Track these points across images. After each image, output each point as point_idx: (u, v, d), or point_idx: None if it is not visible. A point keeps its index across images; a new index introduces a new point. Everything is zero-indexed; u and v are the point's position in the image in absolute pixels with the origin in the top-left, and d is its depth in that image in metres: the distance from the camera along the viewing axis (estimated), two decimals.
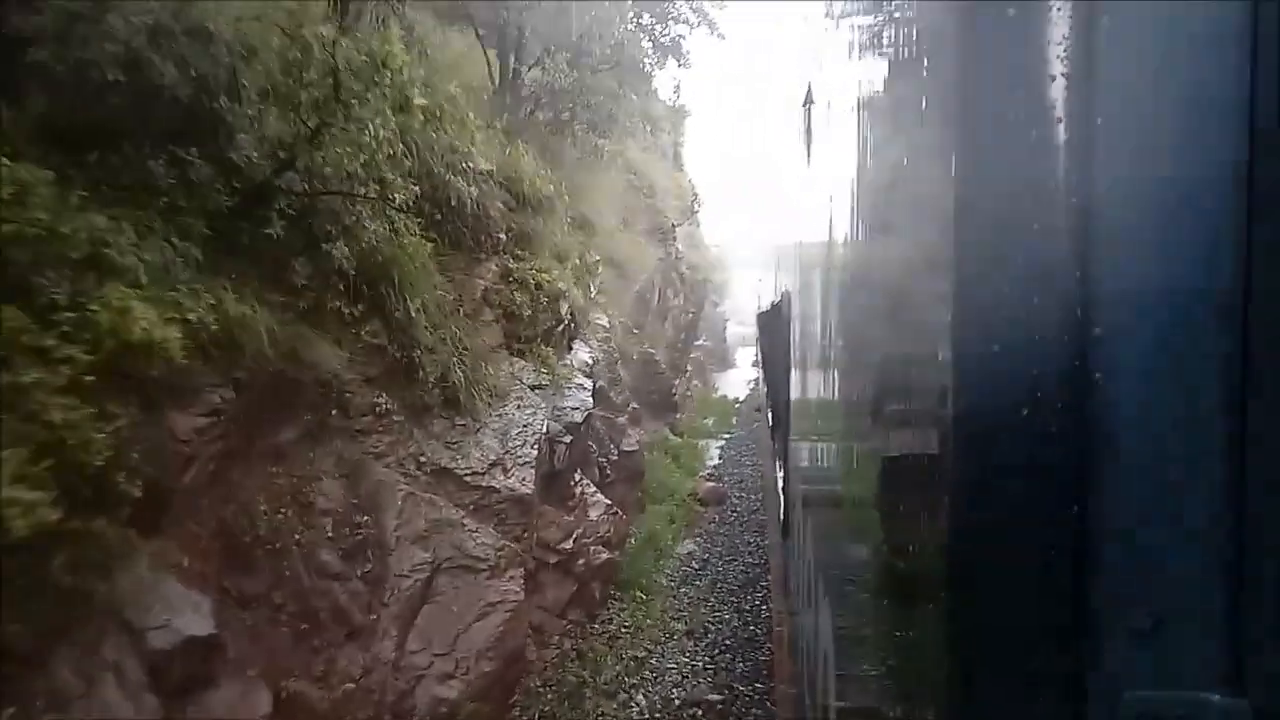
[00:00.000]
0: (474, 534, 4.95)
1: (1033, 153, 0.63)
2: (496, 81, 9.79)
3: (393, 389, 5.32)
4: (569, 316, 7.46)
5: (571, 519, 6.99)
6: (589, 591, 7.02)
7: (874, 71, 1.31)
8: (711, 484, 11.88)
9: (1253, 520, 0.59)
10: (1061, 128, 0.62)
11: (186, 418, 3.85)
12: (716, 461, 14.76)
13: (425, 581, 4.62)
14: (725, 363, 37.49)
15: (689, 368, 24.98)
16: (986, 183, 0.67)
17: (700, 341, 30.30)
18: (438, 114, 4.84)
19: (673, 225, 17.06)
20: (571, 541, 6.86)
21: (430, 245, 5.42)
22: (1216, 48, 0.59)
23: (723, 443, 16.95)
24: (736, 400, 24.68)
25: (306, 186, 4.36)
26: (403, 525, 4.77)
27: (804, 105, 3.61)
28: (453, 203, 5.99)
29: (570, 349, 7.93)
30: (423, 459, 5.22)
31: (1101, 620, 0.61)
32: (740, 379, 33.12)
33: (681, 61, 16.74)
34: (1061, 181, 0.62)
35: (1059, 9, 0.63)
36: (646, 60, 16.11)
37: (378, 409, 5.16)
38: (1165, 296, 0.60)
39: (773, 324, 8.94)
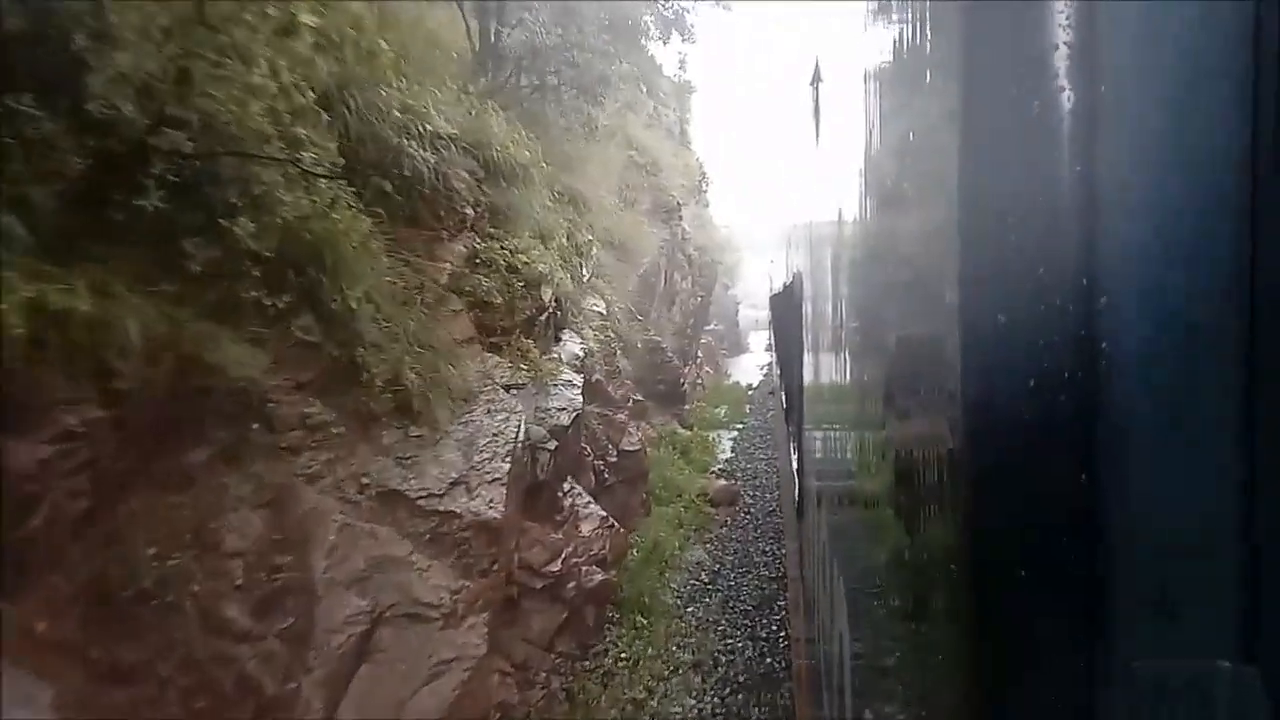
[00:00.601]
0: (425, 573, 4.05)
1: (1036, 123, 0.62)
2: (477, 46, 8.81)
3: (330, 395, 4.42)
4: (553, 303, 6.51)
5: (559, 536, 6.09)
6: (581, 619, 6.13)
7: (882, 44, 1.24)
8: (723, 482, 10.92)
9: (1263, 489, 0.58)
10: (1064, 97, 0.61)
11: (28, 446, 2.97)
12: (729, 455, 13.80)
13: (362, 636, 3.73)
14: (738, 347, 36.43)
15: (699, 354, 24.00)
16: (990, 155, 0.67)
17: (711, 326, 29.25)
18: (338, 40, 3.87)
19: (678, 204, 16.01)
20: (560, 563, 5.96)
21: (369, 221, 4.46)
22: (1218, 16, 0.57)
23: (735, 433, 16.00)
24: (750, 387, 23.68)
25: (193, 146, 3.42)
26: (335, 565, 3.88)
27: (812, 84, 3.52)
28: (406, 172, 5.04)
29: (558, 340, 7.00)
30: (366, 480, 4.32)
31: (1111, 589, 0.60)
32: (753, 364, 32.08)
33: (686, 35, 15.75)
34: (1065, 152, 0.60)
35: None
36: (650, 31, 15.06)
37: (310, 420, 4.26)
38: (1172, 265, 0.58)
39: (785, 306, 8.86)
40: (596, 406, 8.51)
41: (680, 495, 10.18)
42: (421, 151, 5.07)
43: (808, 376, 4.12)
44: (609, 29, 9.85)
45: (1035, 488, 0.63)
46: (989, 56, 0.67)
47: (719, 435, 15.29)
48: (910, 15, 0.99)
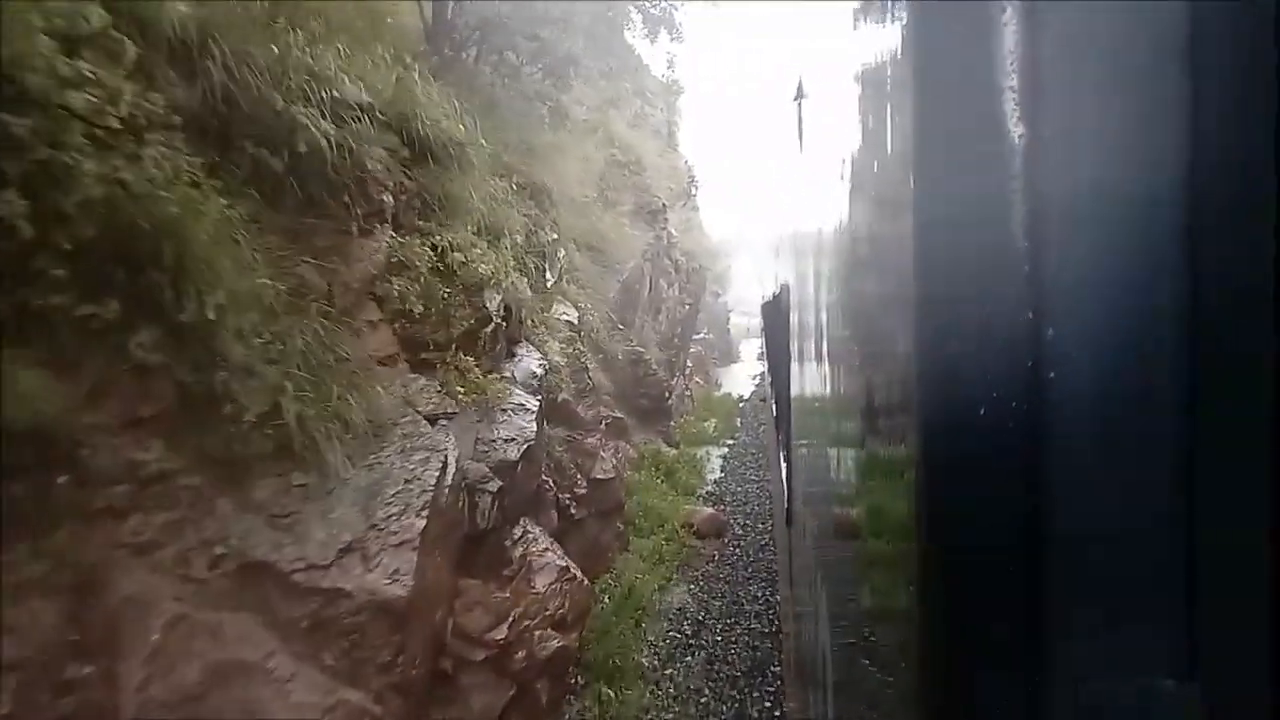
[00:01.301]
0: (288, 684, 2.95)
1: (985, 156, 0.64)
2: (430, 20, 7.78)
3: (179, 436, 3.33)
4: (503, 312, 5.43)
5: (506, 596, 5.00)
6: (532, 696, 5.03)
7: (862, 56, 1.17)
8: (710, 511, 9.82)
9: (1203, 514, 0.61)
10: (1012, 133, 0.63)
11: None
12: (718, 475, 12.73)
13: None
14: (729, 356, 35.40)
15: (688, 364, 22.97)
16: (942, 185, 0.68)
17: (701, 335, 28.22)
18: None
19: (664, 206, 14.99)
20: (506, 628, 4.86)
21: (224, 203, 3.39)
22: (1157, 53, 0.59)
23: (726, 450, 14.94)
24: (741, 398, 22.64)
25: None
26: (158, 678, 2.78)
27: (795, 99, 3.54)
28: (301, 146, 3.97)
29: (511, 356, 5.92)
30: (222, 550, 3.23)
31: (1055, 612, 0.62)
32: (745, 373, 31.09)
33: (674, 35, 14.87)
34: (1013, 186, 0.63)
35: (1007, 14, 0.62)
36: (636, 26, 14.09)
37: (145, 470, 3.17)
38: (1115, 297, 0.61)
39: (774, 314, 8.86)
40: (564, 430, 7.43)
41: (663, 525, 9.09)
42: (320, 121, 3.99)
43: (794, 388, 4.12)
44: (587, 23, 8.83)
45: (984, 509, 0.64)
46: (941, 85, 0.67)
47: (708, 453, 14.22)
48: (888, 30, 0.94)
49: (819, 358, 2.37)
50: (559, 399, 7.18)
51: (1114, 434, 0.61)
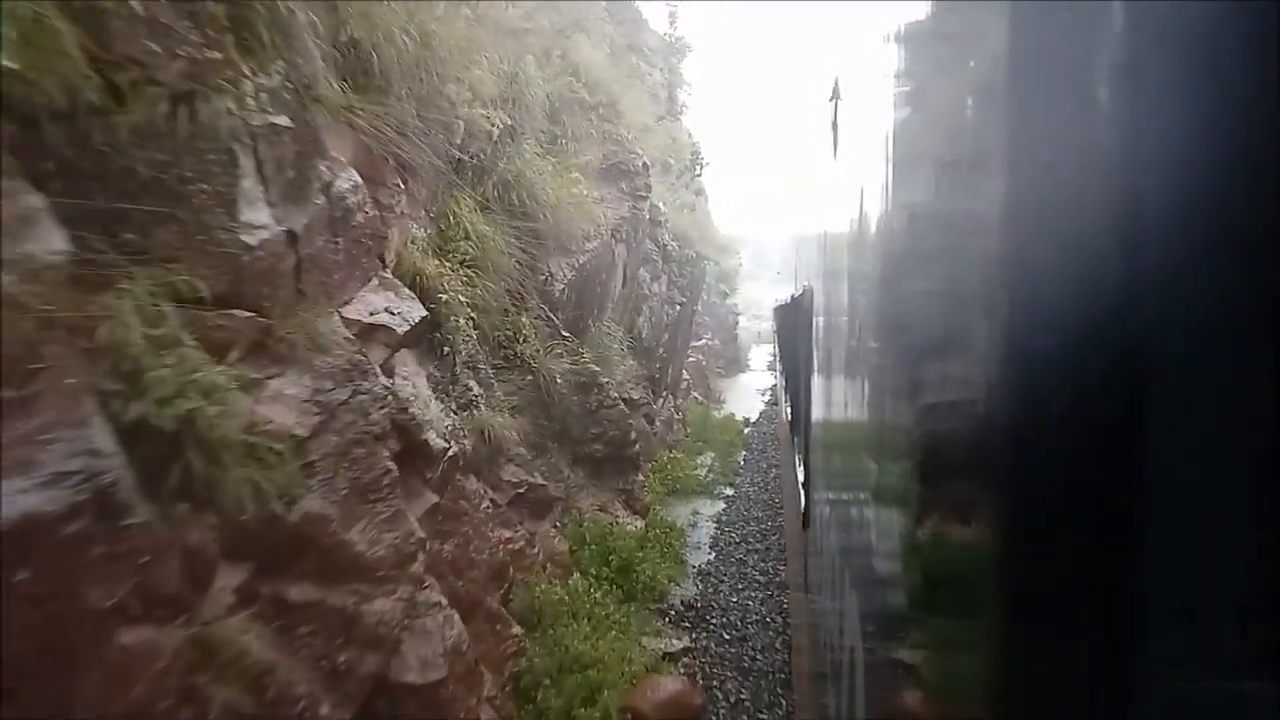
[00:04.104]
0: None
1: (1081, 152, 0.62)
2: None
3: None
4: None
5: None
6: None
7: (914, 53, 1.27)
8: (675, 686, 5.45)
9: None
10: (1109, 127, 0.60)
11: None
12: (706, 557, 8.54)
13: None
14: (736, 364, 31.17)
15: (686, 377, 18.75)
16: (1036, 182, 0.67)
17: (703, 341, 24.00)
18: None
19: (645, 165, 10.79)
20: None
21: None
22: (1252, 50, 0.56)
23: (722, 506, 10.75)
24: (747, 421, 18.40)
25: None
26: None
27: (830, 99, 3.49)
28: None
29: None
30: None
31: (1140, 610, 0.60)
32: (754, 385, 26.86)
33: None
34: (1108, 180, 0.61)
35: (1109, 12, 0.60)
36: None
37: None
38: (1211, 291, 0.58)
39: (794, 315, 8.41)
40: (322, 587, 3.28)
41: (588, 704, 4.93)
42: None
43: (817, 408, 4.08)
44: None
45: (1070, 504, 0.63)
46: (1036, 79, 0.67)
47: (695, 515, 10.04)
48: (947, 26, 0.98)
49: (850, 367, 2.35)
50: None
51: (1204, 432, 0.57)
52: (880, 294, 1.67)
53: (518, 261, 7.23)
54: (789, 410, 10.40)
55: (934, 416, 1.05)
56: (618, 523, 7.94)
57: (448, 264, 5.50)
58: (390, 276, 4.56)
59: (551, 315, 8.18)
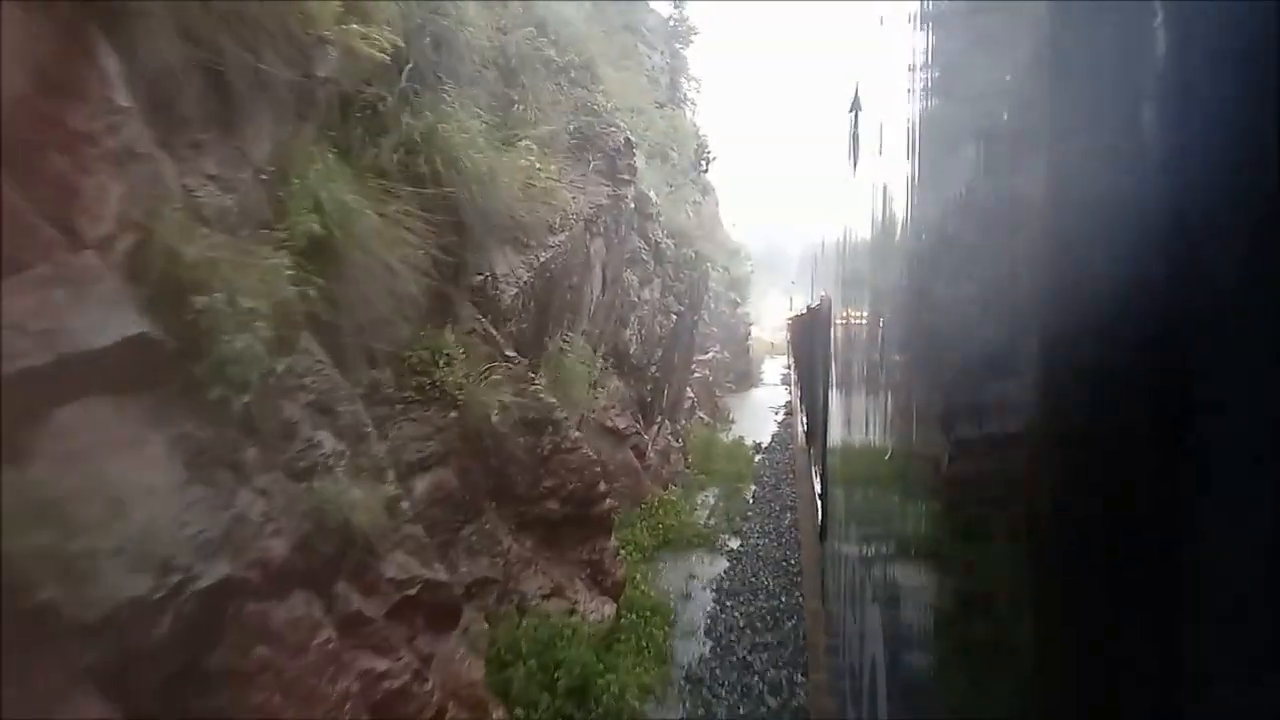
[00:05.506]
0: None
1: (1127, 165, 0.62)
2: None
3: None
4: None
5: None
6: None
7: (940, 57, 1.26)
8: None
9: None
10: (1155, 138, 0.60)
11: None
12: (699, 652, 6.35)
13: None
14: (747, 379, 28.91)
15: (690, 395, 16.58)
16: (1080, 195, 0.67)
17: (710, 355, 21.79)
18: None
19: (627, 141, 8.71)
20: None
21: None
22: None
23: (724, 568, 8.53)
24: (758, 446, 16.16)
25: None
26: None
27: (850, 110, 3.48)
28: None
29: None
30: None
31: (1183, 609, 0.58)
32: (766, 403, 24.60)
33: None
34: (1158, 179, 0.59)
35: (1158, 18, 0.60)
36: None
37: None
38: (1263, 295, 0.55)
39: (809, 328, 8.40)
40: None
41: None
42: None
43: (835, 430, 4.10)
44: None
45: (1120, 512, 0.62)
46: (1076, 101, 0.66)
47: (687, 582, 7.85)
48: (978, 30, 0.95)
49: (873, 379, 2.29)
50: None
51: (1258, 438, 0.54)
52: (910, 301, 1.62)
53: (433, 256, 5.15)
54: (804, 420, 9.99)
55: (970, 425, 1.05)
56: (575, 613, 5.78)
57: (268, 248, 3.42)
58: (92, 262, 2.50)
59: (491, 329, 6.09)
